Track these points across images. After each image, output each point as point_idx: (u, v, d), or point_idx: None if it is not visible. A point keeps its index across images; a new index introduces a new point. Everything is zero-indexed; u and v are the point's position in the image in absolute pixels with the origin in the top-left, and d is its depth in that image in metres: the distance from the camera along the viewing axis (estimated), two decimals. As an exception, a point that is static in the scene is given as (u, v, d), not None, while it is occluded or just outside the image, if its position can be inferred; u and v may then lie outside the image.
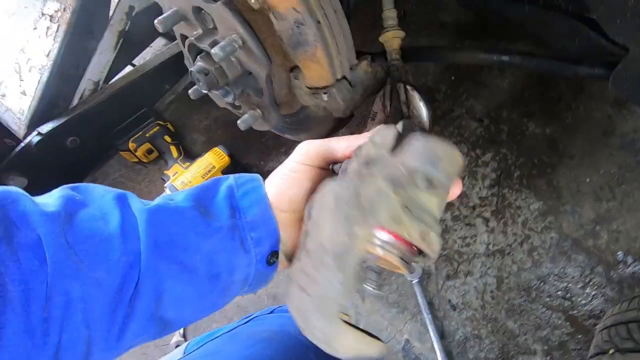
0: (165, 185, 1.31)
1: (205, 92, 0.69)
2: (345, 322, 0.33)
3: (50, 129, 1.29)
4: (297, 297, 0.35)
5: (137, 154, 1.43)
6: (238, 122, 0.72)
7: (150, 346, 1.37)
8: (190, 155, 1.47)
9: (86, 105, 1.35)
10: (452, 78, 1.44)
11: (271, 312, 0.79)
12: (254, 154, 1.51)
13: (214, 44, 0.61)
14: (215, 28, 0.62)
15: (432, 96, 1.43)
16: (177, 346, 1.19)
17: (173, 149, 1.42)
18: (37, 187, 0.42)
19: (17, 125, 1.34)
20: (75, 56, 1.30)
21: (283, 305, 0.81)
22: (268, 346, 0.70)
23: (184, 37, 0.70)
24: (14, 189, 0.39)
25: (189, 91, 0.74)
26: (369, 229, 0.33)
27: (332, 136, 0.47)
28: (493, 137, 1.32)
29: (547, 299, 1.11)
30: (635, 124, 1.21)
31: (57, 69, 1.27)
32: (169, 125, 1.50)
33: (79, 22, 1.26)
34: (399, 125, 0.39)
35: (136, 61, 1.59)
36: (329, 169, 0.44)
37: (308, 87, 0.64)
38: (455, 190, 0.40)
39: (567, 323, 1.08)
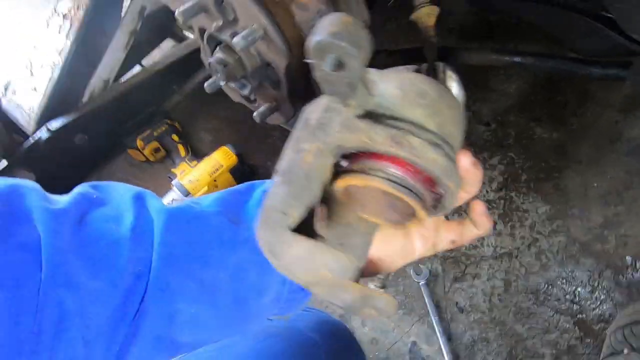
0: (172, 182, 1.31)
1: (222, 84, 0.70)
2: (299, 234, 0.29)
3: (59, 125, 1.29)
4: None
5: (144, 152, 1.43)
6: (254, 114, 0.72)
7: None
8: (197, 154, 1.47)
9: (95, 102, 1.36)
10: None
11: (280, 309, 0.79)
12: (261, 154, 1.52)
13: (234, 35, 0.62)
14: (235, 19, 0.63)
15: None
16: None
17: (181, 147, 1.42)
18: (44, 183, 0.38)
19: (27, 121, 1.35)
20: (86, 54, 1.31)
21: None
22: (279, 341, 0.69)
23: (202, 30, 0.71)
24: (26, 182, 0.35)
25: (205, 84, 0.74)
26: (318, 143, 0.30)
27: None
28: (500, 141, 1.33)
29: (556, 303, 1.11)
30: (642, 130, 1.22)
31: (68, 66, 1.29)
32: (177, 125, 1.50)
33: (92, 21, 1.27)
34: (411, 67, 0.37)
35: (145, 62, 1.60)
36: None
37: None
38: (463, 162, 0.33)
39: (576, 327, 1.07)
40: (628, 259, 1.11)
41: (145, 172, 1.60)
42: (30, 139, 1.30)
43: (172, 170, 1.38)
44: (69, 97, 1.34)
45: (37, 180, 0.36)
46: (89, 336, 0.32)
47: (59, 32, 1.30)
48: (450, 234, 0.41)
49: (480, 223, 0.39)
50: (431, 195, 0.31)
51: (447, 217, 0.41)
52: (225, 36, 0.64)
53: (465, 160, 0.35)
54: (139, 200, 0.37)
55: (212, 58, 0.66)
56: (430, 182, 0.30)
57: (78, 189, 0.37)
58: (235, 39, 0.58)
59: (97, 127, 1.37)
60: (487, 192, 1.27)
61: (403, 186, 0.30)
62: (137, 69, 1.55)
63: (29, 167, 1.30)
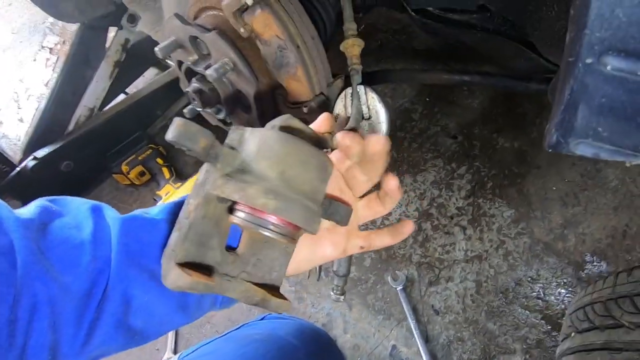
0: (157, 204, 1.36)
1: (199, 110, 0.77)
2: (182, 265, 0.39)
3: (45, 153, 1.34)
4: None
5: (129, 176, 1.48)
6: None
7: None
8: (181, 176, 1.53)
9: (81, 130, 1.41)
10: (427, 99, 1.56)
11: (262, 319, 0.83)
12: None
13: (208, 67, 0.69)
14: (209, 54, 0.70)
15: (410, 116, 1.54)
16: (169, 360, 1.21)
17: (165, 170, 1.48)
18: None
19: (13, 150, 1.39)
20: (72, 85, 1.38)
21: (273, 314, 0.85)
22: (261, 346, 0.74)
23: (180, 63, 0.79)
24: None
25: (184, 110, 0.81)
26: (199, 198, 0.39)
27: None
28: (467, 152, 1.43)
29: (524, 300, 1.18)
30: (592, 136, 1.33)
31: (54, 97, 1.34)
32: (161, 149, 1.56)
33: (78, 54, 1.34)
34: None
35: (129, 90, 1.67)
36: None
37: (291, 102, 0.72)
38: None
39: (543, 322, 1.14)
40: (587, 255, 1.20)
41: (131, 195, 1.64)
42: (17, 167, 1.33)
43: (157, 192, 1.43)
44: (55, 126, 1.39)
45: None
46: (58, 322, 0.38)
47: (46, 66, 1.36)
48: (359, 240, 0.49)
49: (391, 196, 0.46)
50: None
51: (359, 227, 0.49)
52: (200, 68, 0.72)
53: (393, 182, 0.44)
54: (96, 211, 0.44)
55: (190, 87, 0.74)
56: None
57: (36, 203, 0.42)
58: (208, 71, 0.66)
59: (82, 154, 1.42)
60: (456, 200, 1.36)
61: (256, 224, 0.38)
62: (122, 97, 1.61)
63: (15, 194, 1.33)
